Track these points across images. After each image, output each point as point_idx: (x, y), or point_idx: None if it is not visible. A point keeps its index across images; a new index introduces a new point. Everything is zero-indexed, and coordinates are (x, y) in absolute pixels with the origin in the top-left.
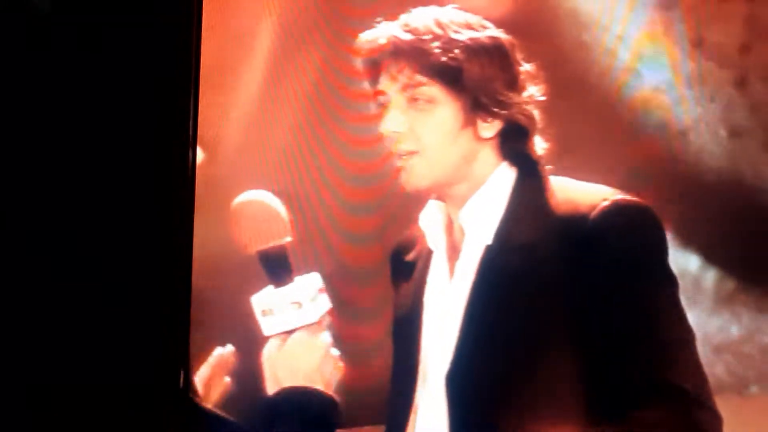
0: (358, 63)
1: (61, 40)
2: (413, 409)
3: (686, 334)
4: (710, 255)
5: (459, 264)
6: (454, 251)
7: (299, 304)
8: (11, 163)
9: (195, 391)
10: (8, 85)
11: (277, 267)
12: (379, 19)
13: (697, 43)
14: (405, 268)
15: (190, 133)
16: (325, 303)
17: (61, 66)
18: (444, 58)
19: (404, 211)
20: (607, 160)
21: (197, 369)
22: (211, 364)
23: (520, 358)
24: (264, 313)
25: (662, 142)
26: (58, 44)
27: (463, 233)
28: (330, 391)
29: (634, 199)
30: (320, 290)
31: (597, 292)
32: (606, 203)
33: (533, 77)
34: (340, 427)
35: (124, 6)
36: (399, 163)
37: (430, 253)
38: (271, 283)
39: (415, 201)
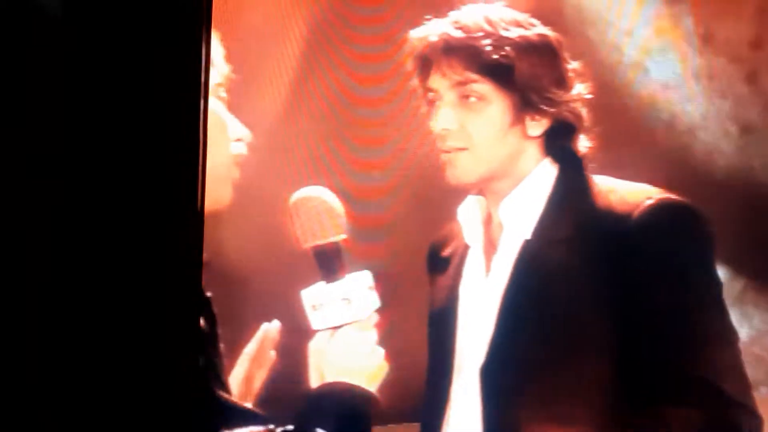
0: (408, 60)
1: (70, 44)
2: (449, 402)
3: (728, 335)
4: (720, 254)
5: (496, 258)
6: (491, 246)
7: (348, 301)
8: (18, 163)
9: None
10: (14, 86)
11: (331, 263)
12: (428, 16)
13: (707, 39)
14: (441, 263)
15: (201, 139)
16: (374, 301)
17: (68, 71)
18: (495, 56)
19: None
20: (614, 157)
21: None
22: (258, 338)
23: (554, 352)
24: (314, 307)
25: (671, 139)
26: (66, 49)
27: (501, 228)
28: (372, 388)
29: (680, 198)
30: (370, 288)
31: (638, 289)
32: (650, 202)
33: (580, 75)
34: (377, 424)
35: (133, 20)
36: (445, 158)
37: (466, 248)
38: (322, 279)
39: (423, 201)
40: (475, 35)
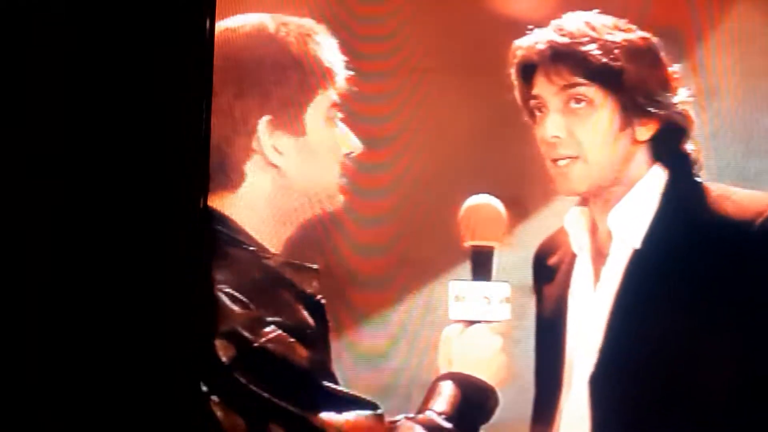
0: (512, 70)
1: (71, 44)
2: (558, 412)
3: None
4: None
5: (605, 269)
6: (599, 255)
7: (488, 300)
8: (24, 162)
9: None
10: (14, 86)
11: (483, 264)
12: (530, 27)
13: None
14: (548, 272)
15: (203, 136)
16: (507, 312)
17: (68, 71)
18: (604, 60)
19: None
20: None
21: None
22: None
23: (666, 362)
24: (457, 298)
25: None
26: (68, 54)
27: (609, 237)
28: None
29: None
30: (507, 299)
31: (761, 300)
32: None
33: (682, 78)
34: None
35: (135, 19)
36: (556, 170)
37: (573, 256)
38: (473, 277)
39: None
40: (580, 40)
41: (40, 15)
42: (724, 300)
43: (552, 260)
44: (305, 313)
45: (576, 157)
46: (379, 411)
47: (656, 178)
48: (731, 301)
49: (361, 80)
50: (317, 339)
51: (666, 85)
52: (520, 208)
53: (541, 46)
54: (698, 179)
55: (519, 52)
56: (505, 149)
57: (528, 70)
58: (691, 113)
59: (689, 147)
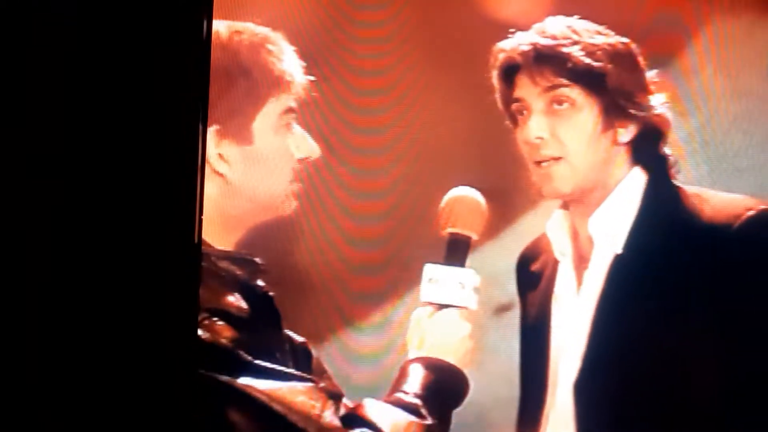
0: (493, 73)
1: (70, 44)
2: (543, 418)
3: None
4: None
5: (587, 274)
6: (581, 260)
7: (462, 285)
8: (18, 163)
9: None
10: (14, 86)
11: (458, 252)
12: (512, 30)
13: None
14: (531, 278)
15: (200, 138)
16: (474, 301)
17: (68, 71)
18: (587, 61)
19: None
20: None
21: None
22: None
23: (649, 367)
24: (430, 280)
25: None
26: (66, 49)
27: (591, 242)
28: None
29: None
30: (476, 288)
31: (740, 302)
32: (752, 213)
33: (658, 84)
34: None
35: (135, 23)
36: (539, 172)
37: (556, 262)
38: (445, 263)
39: (418, 208)
40: (563, 42)
41: (40, 15)
42: (705, 303)
43: (535, 266)
44: (242, 301)
45: (559, 158)
46: (321, 384)
47: (636, 182)
48: (713, 304)
49: (358, 77)
50: (260, 326)
51: (644, 88)
52: (507, 208)
53: (525, 48)
54: (676, 182)
55: (501, 55)
56: (497, 149)
57: (510, 72)
58: (668, 116)
59: (667, 150)
